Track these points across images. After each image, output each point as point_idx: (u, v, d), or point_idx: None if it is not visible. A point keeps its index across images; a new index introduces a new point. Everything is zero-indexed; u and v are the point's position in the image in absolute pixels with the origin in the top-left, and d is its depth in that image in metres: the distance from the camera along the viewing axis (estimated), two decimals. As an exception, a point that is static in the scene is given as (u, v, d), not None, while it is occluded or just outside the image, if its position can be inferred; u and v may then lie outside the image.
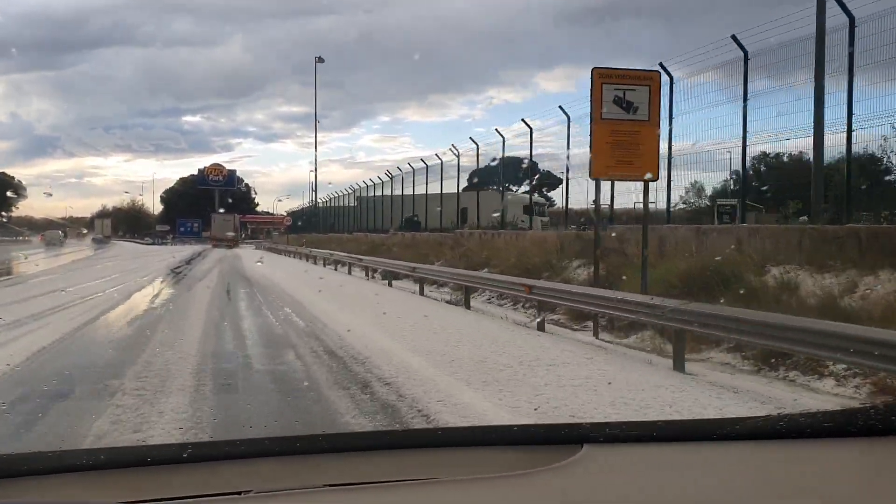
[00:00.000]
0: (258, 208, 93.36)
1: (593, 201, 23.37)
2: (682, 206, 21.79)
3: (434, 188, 33.93)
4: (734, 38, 13.54)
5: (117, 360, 7.79)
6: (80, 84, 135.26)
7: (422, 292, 17.77)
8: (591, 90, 12.00)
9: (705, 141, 16.77)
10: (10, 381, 6.69)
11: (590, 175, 12.05)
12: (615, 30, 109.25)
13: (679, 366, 8.02)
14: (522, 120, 24.03)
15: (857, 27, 11.79)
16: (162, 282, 21.89)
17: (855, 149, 12.60)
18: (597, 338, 11.02)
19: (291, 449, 1.35)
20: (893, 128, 12.42)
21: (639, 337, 11.38)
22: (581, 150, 21.29)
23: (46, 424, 5.11)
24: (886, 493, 1.27)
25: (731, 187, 21.39)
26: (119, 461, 1.30)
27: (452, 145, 31.37)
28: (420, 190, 35.61)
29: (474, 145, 29.25)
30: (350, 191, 51.99)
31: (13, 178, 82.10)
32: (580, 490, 1.24)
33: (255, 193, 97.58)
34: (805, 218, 14.73)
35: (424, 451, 1.40)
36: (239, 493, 1.18)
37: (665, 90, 14.40)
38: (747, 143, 14.07)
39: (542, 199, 35.16)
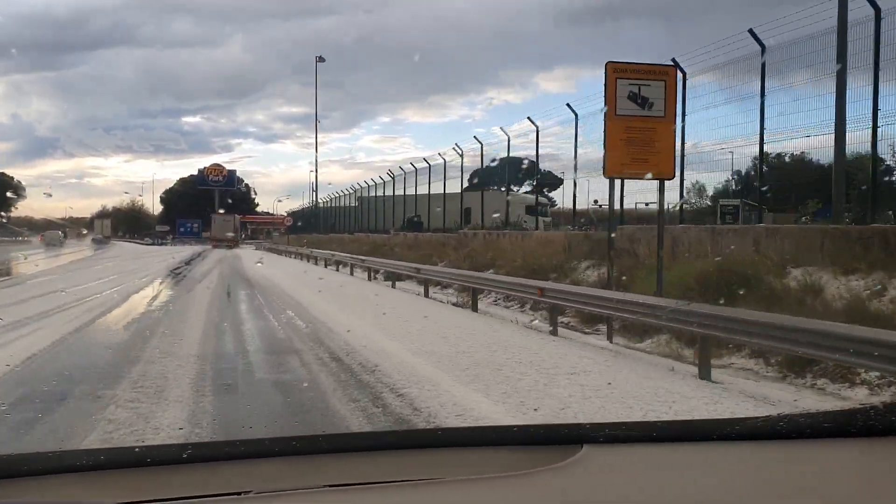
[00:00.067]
0: (258, 209, 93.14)
1: (595, 201, 23.32)
2: (684, 206, 21.56)
3: (435, 188, 33.64)
4: (751, 32, 13.14)
5: (112, 368, 7.38)
6: (80, 85, 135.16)
7: (426, 294, 17.39)
8: (605, 85, 11.58)
9: (706, 141, 16.61)
10: (-4, 391, 6.29)
11: (603, 173, 11.62)
12: (615, 30, 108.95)
13: (705, 374, 7.61)
14: (528, 118, 23.67)
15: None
16: (161, 283, 21.53)
17: (858, 148, 12.44)
18: (611, 342, 10.63)
19: (291, 449, 1.33)
20: None
21: (654, 341, 10.98)
22: (581, 151, 21.13)
23: (30, 443, 4.69)
24: (887, 493, 1.25)
25: (733, 187, 21.25)
26: (119, 461, 1.29)
27: (456, 144, 31.09)
28: (422, 190, 35.30)
29: (474, 145, 28.91)
30: (351, 191, 51.67)
31: (13, 178, 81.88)
32: (580, 490, 1.23)
33: (255, 194, 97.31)
34: (806, 218, 14.40)
35: (425, 451, 1.39)
36: (239, 494, 1.17)
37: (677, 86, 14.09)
38: (764, 142, 13.57)
39: (544, 200, 34.79)
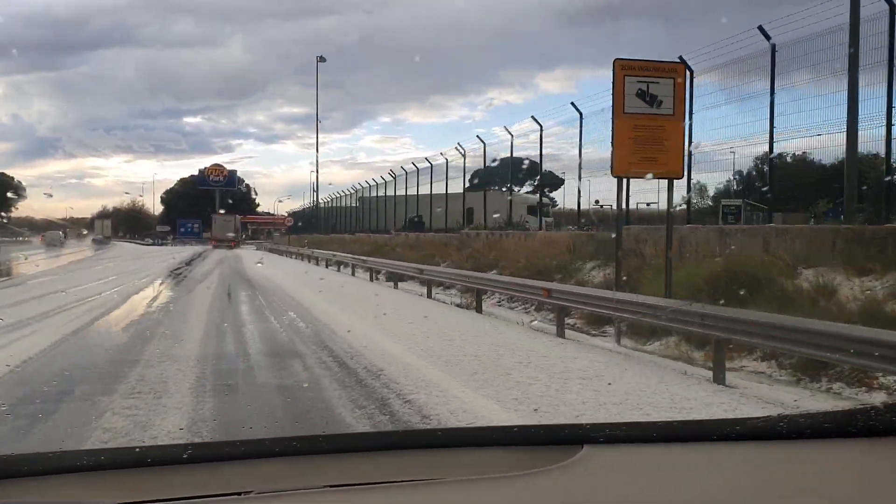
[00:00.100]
0: (259, 209, 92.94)
1: (596, 201, 23.17)
2: (685, 206, 21.56)
3: (436, 188, 33.42)
4: (761, 28, 12.93)
5: (110, 372, 7.16)
6: (80, 85, 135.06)
7: (429, 295, 17.18)
8: (613, 82, 11.36)
9: (706, 141, 16.55)
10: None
11: (611, 172, 11.39)
12: (615, 30, 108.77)
13: (720, 378, 7.40)
14: (532, 117, 23.49)
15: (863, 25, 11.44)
16: (161, 284, 21.33)
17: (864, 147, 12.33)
18: (619, 344, 10.42)
19: (292, 449, 1.33)
20: None
21: (662, 343, 10.77)
22: (582, 151, 20.98)
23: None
24: (887, 494, 1.25)
25: (735, 188, 21.05)
26: (119, 462, 1.28)
27: (458, 143, 30.87)
28: (423, 190, 35.10)
29: (475, 145, 28.74)
30: (352, 191, 51.48)
31: (13, 178, 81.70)
32: (580, 490, 1.23)
33: (256, 194, 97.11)
34: (816, 218, 14.21)
35: (425, 451, 1.38)
36: (239, 494, 1.16)
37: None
38: (773, 140, 13.35)
39: (546, 200, 34.62)
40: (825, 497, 1.24)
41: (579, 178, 20.45)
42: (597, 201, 22.50)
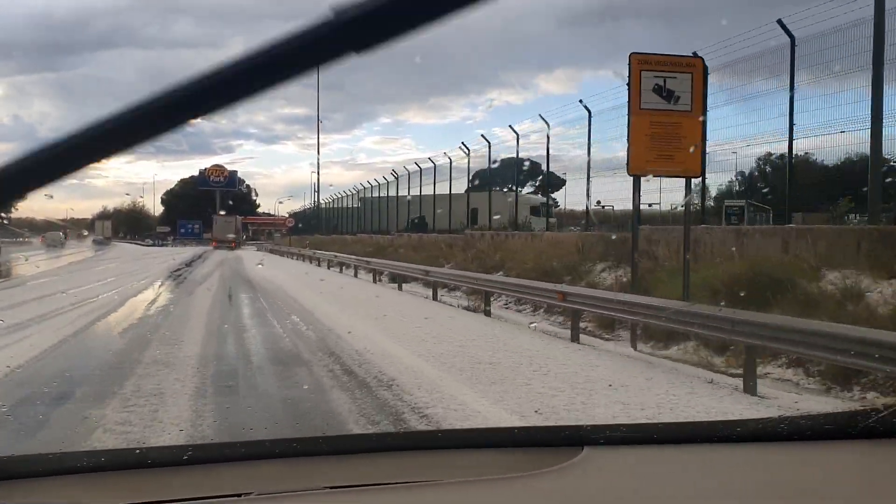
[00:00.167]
0: (259, 210, 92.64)
1: (598, 202, 22.88)
2: (686, 206, 21.25)
3: (438, 189, 33.12)
4: (780, 22, 12.50)
5: (104, 382, 6.73)
6: (81, 86, 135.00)
7: (435, 297, 16.80)
8: (629, 77, 10.98)
9: (707, 141, 16.21)
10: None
11: (627, 171, 10.99)
12: (615, 31, 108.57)
13: (750, 387, 6.98)
14: (539, 115, 23.11)
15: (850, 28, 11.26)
16: (161, 285, 20.95)
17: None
18: (635, 349, 10.02)
19: (292, 451, 1.32)
20: None
21: (680, 348, 10.38)
22: (582, 152, 20.77)
23: None
24: (888, 496, 1.24)
25: (737, 188, 20.89)
26: (120, 463, 1.28)
27: (462, 143, 30.56)
28: (425, 191, 34.75)
29: (476, 146, 28.46)
30: (353, 192, 51.11)
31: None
32: (581, 492, 1.22)
33: (257, 195, 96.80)
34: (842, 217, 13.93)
35: (425, 452, 1.37)
36: (240, 496, 1.15)
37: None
38: (793, 139, 12.98)
39: (548, 200, 34.29)
40: (826, 498, 1.23)
41: (588, 177, 20.03)
42: (598, 202, 22.30)
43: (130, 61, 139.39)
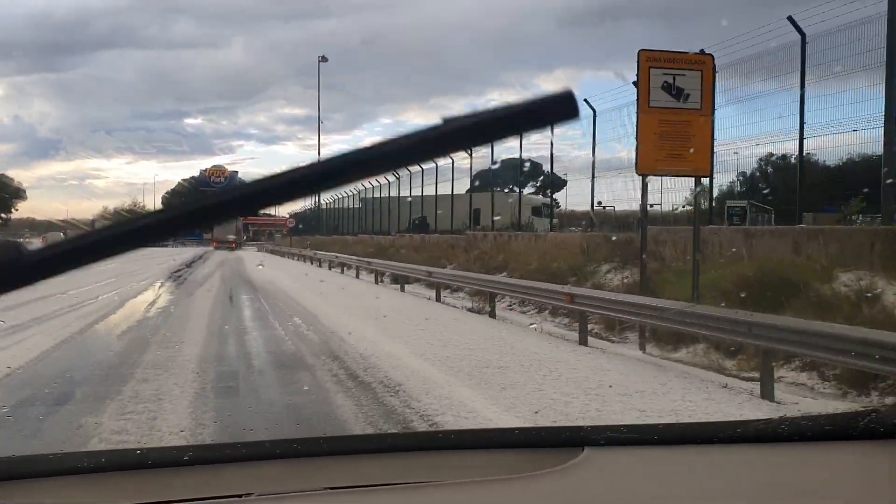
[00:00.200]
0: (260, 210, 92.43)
1: (598, 202, 22.77)
2: (689, 207, 21.29)
3: (438, 189, 32.94)
4: (790, 19, 12.29)
5: (102, 386, 6.52)
6: (82, 86, 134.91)
7: (438, 298, 16.59)
8: (638, 75, 10.80)
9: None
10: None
11: (636, 170, 10.79)
12: (615, 31, 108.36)
13: (768, 393, 6.78)
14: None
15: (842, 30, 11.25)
16: (161, 286, 20.74)
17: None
18: (644, 352, 9.82)
19: (293, 452, 1.32)
20: None
21: (690, 351, 10.18)
22: (583, 153, 20.63)
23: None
24: (889, 497, 1.24)
25: (738, 189, 20.90)
26: (120, 464, 1.27)
27: (465, 143, 30.22)
28: (426, 191, 34.58)
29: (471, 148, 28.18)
30: (354, 192, 50.88)
31: (13, 179, 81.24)
32: (581, 493, 1.22)
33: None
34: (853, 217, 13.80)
35: (426, 453, 1.37)
36: (240, 496, 1.15)
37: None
38: (804, 137, 12.79)
39: (549, 201, 34.19)
40: (827, 499, 1.23)
41: (592, 176, 19.82)
42: (599, 202, 22.22)
43: (130, 61, 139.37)
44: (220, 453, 1.34)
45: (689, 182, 18.05)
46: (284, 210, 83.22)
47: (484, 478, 1.24)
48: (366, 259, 25.85)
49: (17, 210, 79.02)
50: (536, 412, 5.59)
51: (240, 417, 5.66)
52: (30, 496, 1.19)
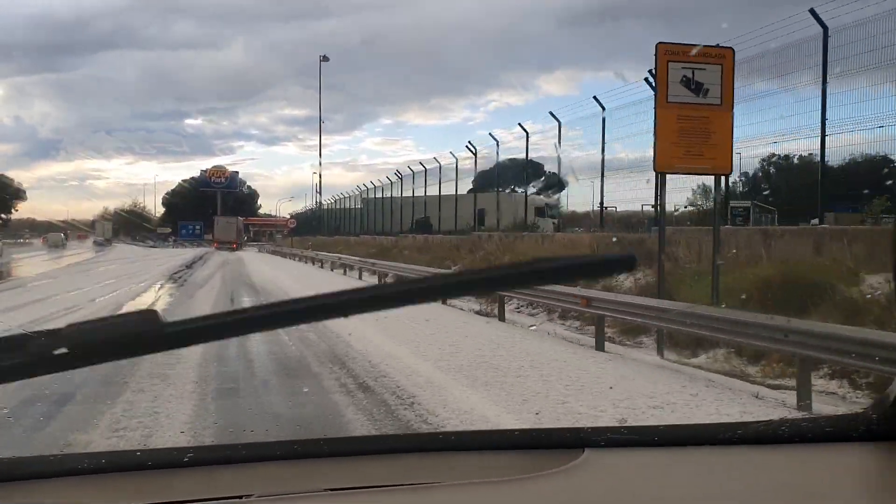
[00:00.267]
0: (260, 211, 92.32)
1: (600, 203, 22.46)
2: (691, 207, 21.49)
3: (438, 190, 32.62)
4: (812, 11, 11.86)
5: (94, 397, 6.10)
6: (82, 87, 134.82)
7: (445, 301, 16.14)
8: (656, 69, 10.39)
9: None
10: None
11: (654, 168, 10.37)
12: (615, 31, 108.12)
13: (806, 405, 6.37)
14: (550, 113, 22.63)
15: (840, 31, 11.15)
16: (161, 288, 20.35)
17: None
18: (662, 357, 9.41)
19: (293, 453, 1.31)
20: None
21: (710, 356, 9.77)
22: (583, 153, 20.47)
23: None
24: (890, 499, 1.22)
25: (741, 189, 20.74)
26: (121, 465, 1.26)
27: (469, 142, 30.07)
28: (430, 191, 34.24)
29: (475, 148, 28.07)
30: (356, 192, 50.59)
31: (13, 180, 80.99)
32: (582, 494, 1.21)
33: (258, 196, 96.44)
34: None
35: (426, 454, 1.36)
36: (240, 497, 1.15)
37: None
38: (826, 134, 12.40)
39: (552, 201, 33.88)
40: (828, 501, 1.20)
41: (602, 175, 19.44)
42: (601, 203, 22.00)
43: (130, 62, 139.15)
44: (221, 454, 1.33)
45: (690, 182, 17.80)
46: (284, 210, 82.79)
47: (484, 479, 1.23)
48: (369, 260, 25.50)
49: (17, 210, 78.95)
50: (537, 413, 5.40)
51: (241, 421, 5.44)
52: (30, 497, 1.18)
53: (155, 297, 17.18)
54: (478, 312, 14.26)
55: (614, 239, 17.21)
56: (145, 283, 21.46)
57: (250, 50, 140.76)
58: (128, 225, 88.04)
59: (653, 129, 10.49)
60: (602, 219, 21.38)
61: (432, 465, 1.31)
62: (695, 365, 9.14)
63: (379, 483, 1.21)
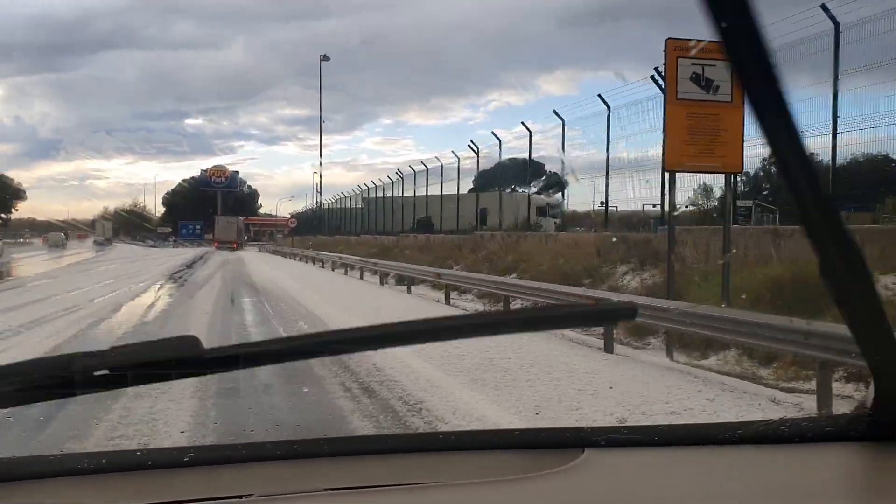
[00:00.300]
0: (261, 211, 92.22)
1: (601, 202, 22.36)
2: (692, 207, 21.50)
3: (439, 189, 32.49)
4: (823, 7, 11.67)
5: (90, 404, 5.90)
6: (82, 87, 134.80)
7: (447, 301, 16.00)
8: (665, 65, 10.21)
9: None
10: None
11: (663, 166, 10.19)
12: (615, 31, 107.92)
13: (826, 411, 6.14)
14: (554, 111, 22.45)
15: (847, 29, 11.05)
16: (161, 288, 20.18)
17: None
18: (671, 359, 9.22)
19: (293, 453, 1.31)
20: None
21: (720, 358, 9.59)
22: (583, 153, 20.40)
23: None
24: (891, 499, 1.22)
25: (742, 188, 20.66)
26: (120, 465, 1.24)
27: (472, 141, 29.92)
28: (431, 191, 34.10)
29: (477, 147, 27.95)
30: (357, 192, 50.43)
31: (13, 180, 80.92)
32: (582, 494, 1.21)
33: (259, 195, 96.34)
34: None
35: (426, 454, 1.36)
36: (240, 497, 1.15)
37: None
38: (837, 132, 12.20)
39: (553, 201, 33.74)
40: (828, 500, 1.20)
41: (606, 174, 19.29)
42: (601, 202, 21.94)
43: (131, 62, 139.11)
44: (221, 454, 1.31)
45: (690, 181, 17.64)
46: (285, 210, 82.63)
47: (484, 479, 1.23)
48: (371, 260, 25.34)
49: (17, 210, 78.92)
50: (537, 413, 5.24)
51: (241, 424, 5.34)
52: (29, 497, 1.18)
53: (155, 298, 17.00)
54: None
55: (614, 239, 17.06)
56: (145, 283, 21.31)
57: (250, 50, 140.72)
58: (128, 225, 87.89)
59: (655, 128, 10.41)
60: (606, 218, 21.22)
61: (432, 465, 1.31)
62: (705, 367, 8.95)
63: (379, 483, 1.21)
